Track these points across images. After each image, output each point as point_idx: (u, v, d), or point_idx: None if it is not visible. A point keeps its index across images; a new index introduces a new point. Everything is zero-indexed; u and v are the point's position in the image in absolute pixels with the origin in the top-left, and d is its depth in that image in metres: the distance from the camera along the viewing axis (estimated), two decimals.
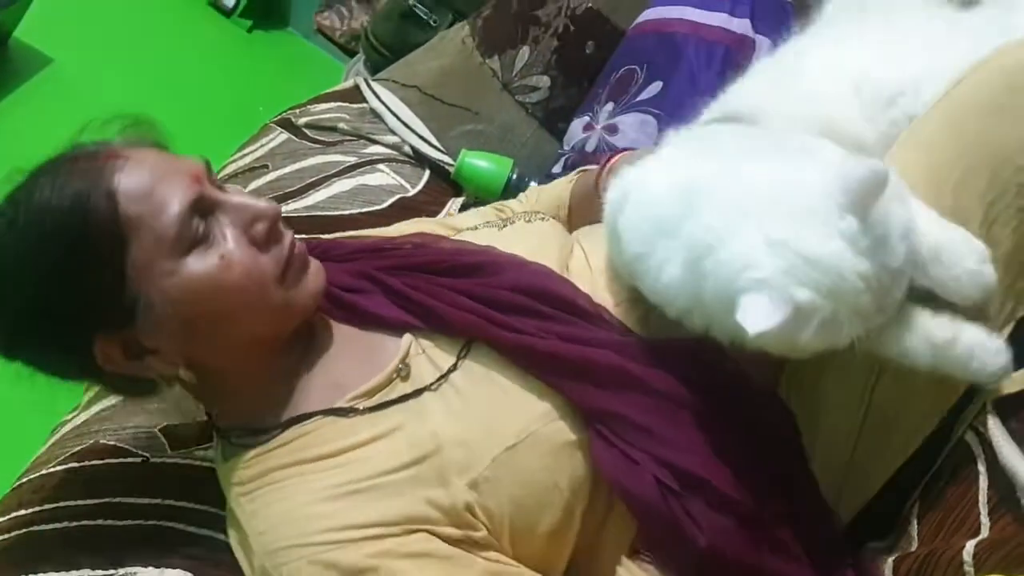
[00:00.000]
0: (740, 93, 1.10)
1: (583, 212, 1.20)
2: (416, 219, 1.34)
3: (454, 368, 0.93)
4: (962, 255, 0.80)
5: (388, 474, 0.88)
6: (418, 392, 0.92)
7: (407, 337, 0.97)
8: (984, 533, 0.80)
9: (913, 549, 0.88)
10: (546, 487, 0.89)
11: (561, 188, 1.26)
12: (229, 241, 0.90)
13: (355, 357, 0.98)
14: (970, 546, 0.79)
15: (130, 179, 0.87)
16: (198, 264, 0.88)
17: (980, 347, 0.80)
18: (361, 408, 0.92)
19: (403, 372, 0.94)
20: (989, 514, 0.81)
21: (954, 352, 0.80)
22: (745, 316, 0.74)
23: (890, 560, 0.89)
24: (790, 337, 0.75)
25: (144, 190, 0.87)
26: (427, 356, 0.95)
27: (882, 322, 0.78)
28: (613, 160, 1.14)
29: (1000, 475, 0.81)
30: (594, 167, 1.21)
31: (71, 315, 0.88)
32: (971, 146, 0.84)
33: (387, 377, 0.94)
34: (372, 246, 1.11)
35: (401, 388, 0.93)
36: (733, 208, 0.79)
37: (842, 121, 0.97)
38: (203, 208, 0.90)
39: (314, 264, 0.97)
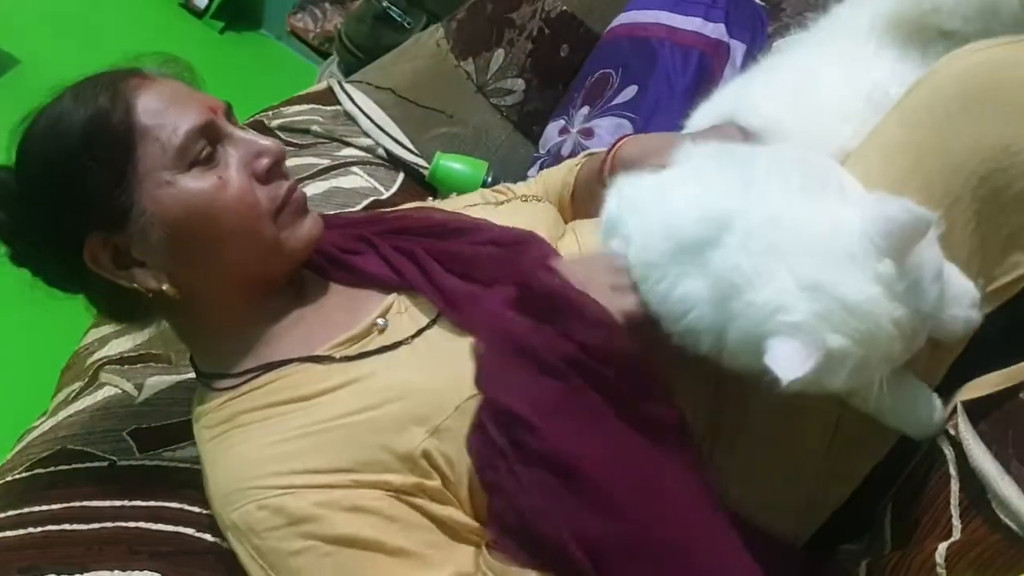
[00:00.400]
0: (751, 103, 1.06)
1: (586, 198, 1.19)
2: (414, 203, 1.36)
3: (431, 324, 0.95)
4: (957, 296, 0.80)
5: (344, 417, 0.89)
6: (395, 345, 0.94)
7: (392, 295, 0.99)
8: (956, 535, 0.80)
9: (886, 552, 0.89)
10: None
11: (567, 171, 1.26)
12: (231, 167, 0.95)
13: (341, 311, 1.00)
14: (942, 548, 0.79)
15: (149, 96, 0.94)
16: (196, 180, 0.92)
17: (921, 404, 0.84)
18: (338, 356, 0.94)
19: (381, 326, 0.96)
20: (961, 516, 0.81)
21: (894, 406, 0.83)
22: (776, 362, 0.72)
23: (863, 563, 0.90)
24: (818, 382, 0.73)
25: (159, 107, 0.93)
26: (408, 315, 0.97)
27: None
28: (621, 144, 1.13)
29: (971, 477, 0.81)
30: (601, 149, 1.21)
31: (70, 206, 0.92)
32: (926, 154, 0.85)
33: (365, 329, 0.96)
34: (369, 216, 1.16)
35: (379, 341, 0.95)
36: (765, 247, 0.76)
37: (861, 138, 0.95)
38: (211, 134, 0.94)
39: (313, 214, 1.01)
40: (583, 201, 1.20)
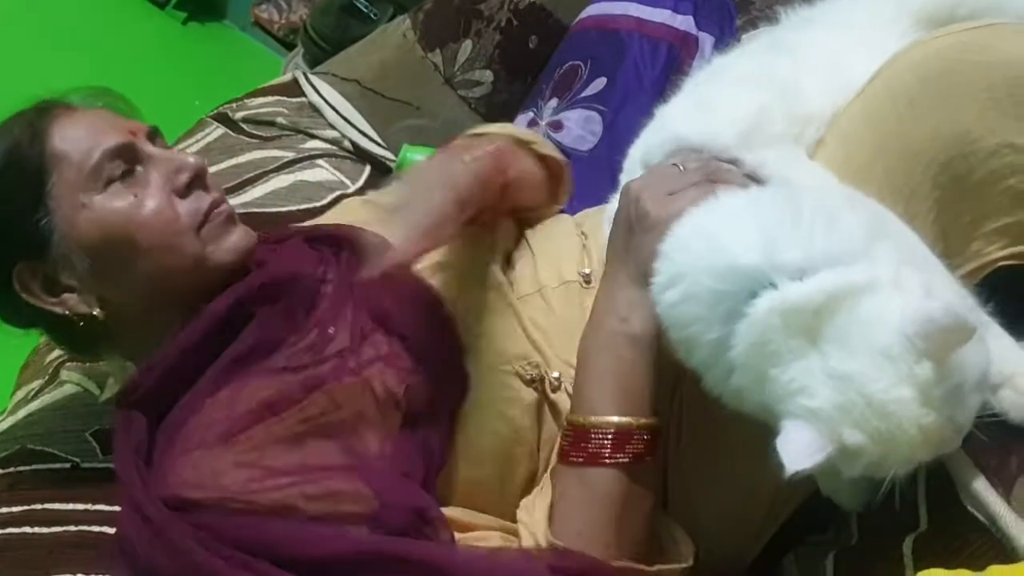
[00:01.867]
0: (795, 91, 0.94)
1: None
2: (346, 201, 1.37)
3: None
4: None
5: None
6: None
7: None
8: (923, 526, 0.80)
9: (853, 543, 0.89)
10: None
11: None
12: (149, 185, 0.96)
13: None
14: (909, 540, 0.80)
15: (67, 124, 0.96)
16: (111, 200, 0.94)
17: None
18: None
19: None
20: (928, 507, 0.81)
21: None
22: (786, 448, 0.68)
23: (831, 554, 0.90)
24: (829, 470, 0.70)
25: (76, 134, 0.95)
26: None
27: None
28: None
29: (937, 468, 0.80)
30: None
31: None
32: (887, 141, 0.84)
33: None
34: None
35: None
36: (802, 326, 0.70)
37: None
38: (129, 155, 0.96)
39: (243, 228, 1.01)
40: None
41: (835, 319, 0.69)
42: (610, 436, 0.84)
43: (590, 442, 0.84)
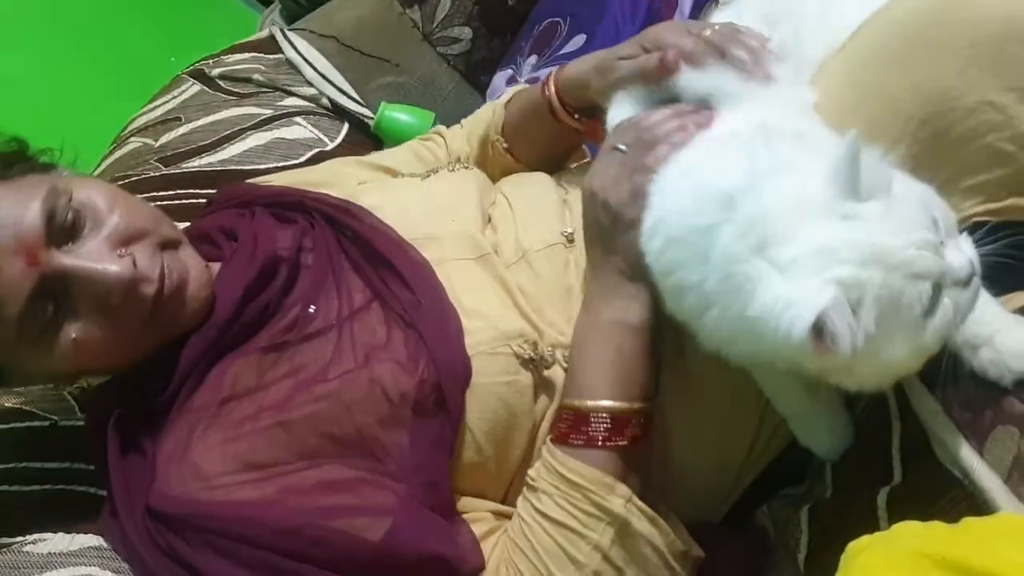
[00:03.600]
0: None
1: (524, 128, 1.18)
2: (339, 159, 1.33)
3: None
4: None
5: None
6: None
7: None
8: (896, 479, 0.82)
9: (827, 496, 0.90)
10: None
11: (490, 112, 1.23)
12: (80, 317, 0.88)
13: None
14: (883, 493, 0.81)
15: None
16: (53, 352, 0.88)
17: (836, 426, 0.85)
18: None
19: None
20: (901, 461, 0.82)
21: (808, 419, 0.85)
22: (801, 330, 0.66)
23: (805, 507, 0.91)
24: (869, 344, 0.67)
25: None
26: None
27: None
28: (558, 70, 1.11)
29: (912, 421, 0.82)
30: (528, 86, 1.20)
31: None
32: (869, 97, 0.85)
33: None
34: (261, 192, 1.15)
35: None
36: (753, 246, 0.71)
37: None
38: (48, 288, 0.86)
39: (193, 279, 0.94)
40: (521, 133, 1.18)
41: (770, 230, 0.70)
42: (608, 421, 0.87)
43: (589, 425, 0.87)
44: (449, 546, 0.86)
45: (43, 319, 0.86)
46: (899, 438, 0.83)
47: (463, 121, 1.30)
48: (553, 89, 1.10)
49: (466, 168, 1.16)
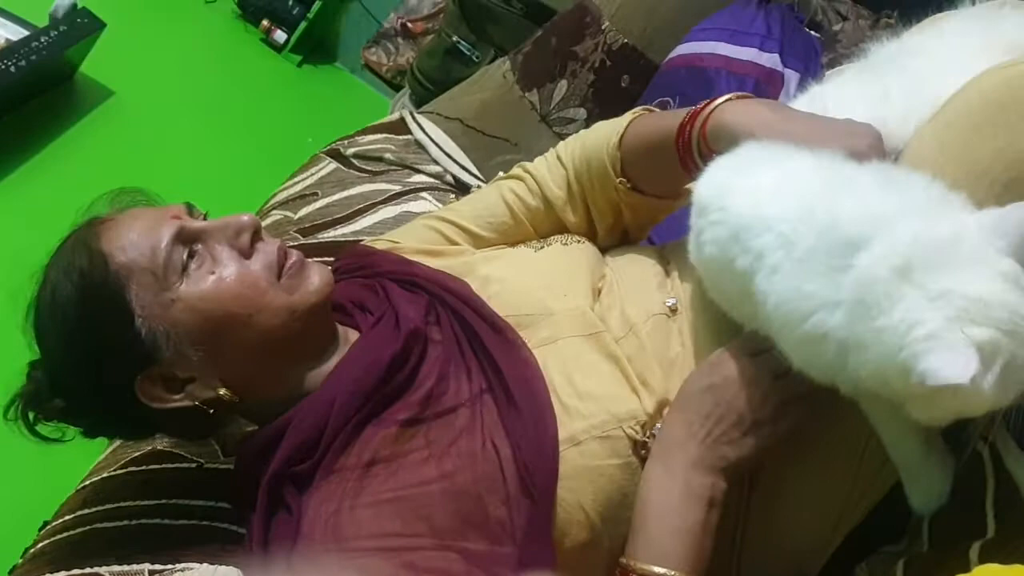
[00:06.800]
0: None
1: (645, 163, 1.14)
2: (431, 215, 1.29)
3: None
4: None
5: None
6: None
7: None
8: (990, 534, 0.82)
9: (924, 551, 0.90)
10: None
11: (603, 143, 1.17)
12: (218, 259, 0.98)
13: None
14: (976, 546, 0.82)
15: (115, 236, 0.96)
16: (194, 287, 0.96)
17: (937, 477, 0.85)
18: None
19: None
20: (995, 516, 0.83)
21: (919, 469, 0.85)
22: (935, 374, 0.69)
23: (900, 562, 0.92)
24: (977, 387, 0.69)
25: (128, 241, 0.96)
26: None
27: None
28: (720, 106, 1.04)
29: (1006, 477, 0.83)
30: (643, 108, 1.20)
31: (104, 366, 0.96)
32: (952, 162, 0.86)
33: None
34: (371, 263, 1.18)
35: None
36: (895, 269, 0.74)
37: None
38: (186, 237, 0.97)
39: (316, 266, 1.03)
40: (636, 156, 1.14)
41: (921, 256, 0.74)
42: None
43: None
44: None
45: (181, 259, 0.96)
46: (993, 494, 0.84)
47: (562, 154, 1.26)
48: (703, 131, 1.03)
49: (579, 243, 1.17)
